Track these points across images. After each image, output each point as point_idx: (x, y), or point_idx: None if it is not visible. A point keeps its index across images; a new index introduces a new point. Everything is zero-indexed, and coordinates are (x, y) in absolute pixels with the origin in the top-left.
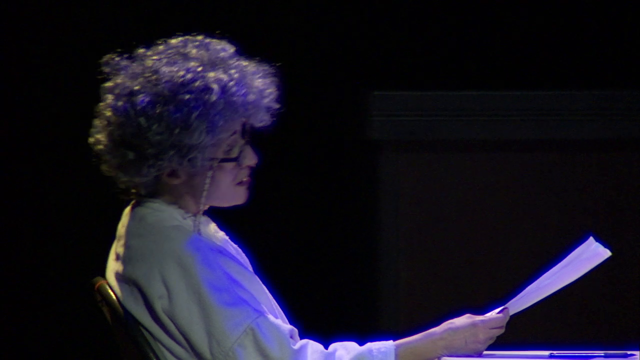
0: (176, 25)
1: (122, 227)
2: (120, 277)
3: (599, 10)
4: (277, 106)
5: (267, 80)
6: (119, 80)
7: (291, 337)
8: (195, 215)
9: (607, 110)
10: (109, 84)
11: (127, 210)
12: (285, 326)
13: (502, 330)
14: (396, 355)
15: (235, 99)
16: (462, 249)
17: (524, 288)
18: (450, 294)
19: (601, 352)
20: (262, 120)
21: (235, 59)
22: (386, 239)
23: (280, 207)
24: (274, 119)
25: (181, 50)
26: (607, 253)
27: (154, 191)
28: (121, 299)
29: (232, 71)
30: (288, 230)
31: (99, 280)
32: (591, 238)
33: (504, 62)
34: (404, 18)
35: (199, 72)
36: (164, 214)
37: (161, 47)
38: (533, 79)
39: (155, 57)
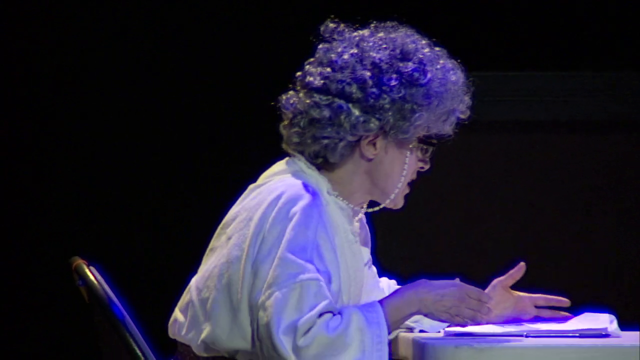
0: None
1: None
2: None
3: None
4: (464, 117)
5: (466, 91)
6: (338, 43)
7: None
8: (348, 202)
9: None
10: (326, 45)
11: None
12: (328, 304)
13: (485, 308)
14: (384, 312)
15: (453, 86)
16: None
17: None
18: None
19: (576, 332)
20: (445, 128)
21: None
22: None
23: None
24: (455, 132)
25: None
26: (611, 329)
27: (338, 162)
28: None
29: (450, 65)
30: None
31: (76, 260)
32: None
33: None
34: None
35: (425, 45)
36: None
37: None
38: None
39: (372, 31)
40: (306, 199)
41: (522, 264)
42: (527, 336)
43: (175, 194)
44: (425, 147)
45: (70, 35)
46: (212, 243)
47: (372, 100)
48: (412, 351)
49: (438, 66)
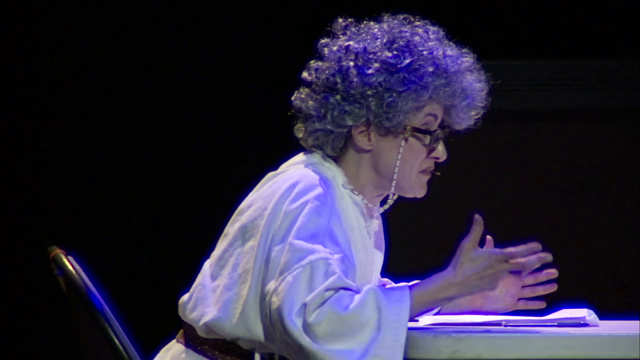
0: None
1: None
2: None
3: None
4: (482, 106)
5: (479, 78)
6: (340, 37)
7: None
8: (362, 195)
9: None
10: (327, 40)
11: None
12: (338, 278)
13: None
14: (410, 295)
15: (447, 74)
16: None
17: None
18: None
19: (554, 321)
20: (462, 118)
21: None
22: None
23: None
24: (476, 123)
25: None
26: (588, 319)
27: (342, 156)
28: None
29: (451, 53)
30: None
31: (54, 249)
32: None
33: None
34: None
35: (422, 34)
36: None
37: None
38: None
39: (379, 24)
40: (320, 189)
41: (477, 216)
42: (505, 325)
43: (155, 185)
44: (424, 135)
45: (68, 33)
46: (227, 229)
47: (353, 90)
48: None
49: (425, 52)
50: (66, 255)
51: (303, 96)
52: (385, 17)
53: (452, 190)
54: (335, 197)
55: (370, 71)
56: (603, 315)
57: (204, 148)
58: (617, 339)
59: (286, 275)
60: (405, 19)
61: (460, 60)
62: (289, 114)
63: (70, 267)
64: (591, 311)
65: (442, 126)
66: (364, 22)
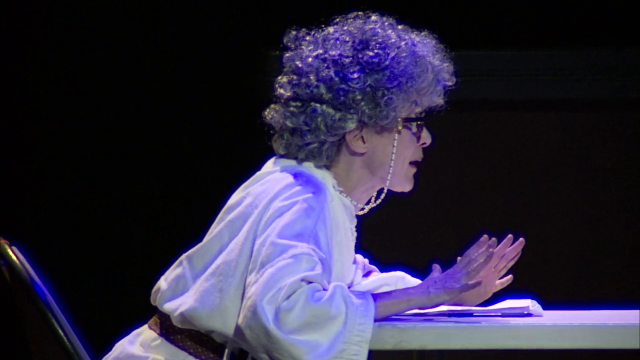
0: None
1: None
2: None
3: None
4: (452, 84)
5: (444, 58)
6: (304, 47)
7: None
8: (351, 197)
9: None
10: (291, 53)
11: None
12: (317, 274)
13: (472, 265)
14: (375, 305)
15: (422, 59)
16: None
17: None
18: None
19: (499, 311)
20: (435, 100)
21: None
22: None
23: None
24: (446, 101)
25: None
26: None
27: (332, 162)
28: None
29: (417, 38)
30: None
31: None
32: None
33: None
34: None
35: (386, 27)
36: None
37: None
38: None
39: (337, 27)
40: (311, 191)
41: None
42: (450, 315)
43: (101, 175)
44: (412, 124)
45: (61, 31)
46: (214, 226)
47: (342, 97)
48: None
49: (402, 44)
50: (10, 246)
51: (283, 111)
52: (337, 20)
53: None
54: (326, 201)
55: (354, 75)
56: (547, 305)
57: (154, 138)
58: (561, 328)
59: (267, 267)
60: (357, 17)
61: (427, 43)
62: (271, 131)
63: (14, 257)
64: (535, 301)
65: (422, 111)
66: (317, 30)
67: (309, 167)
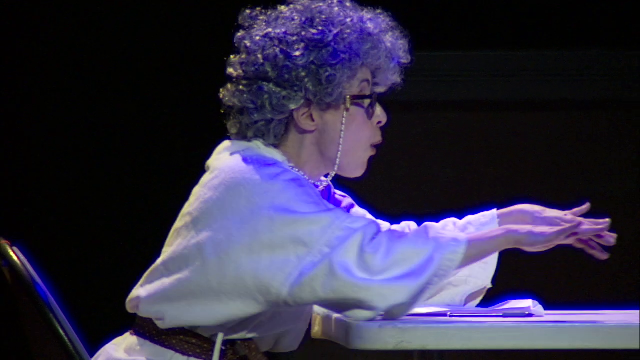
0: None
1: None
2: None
3: None
4: (407, 63)
5: (397, 36)
6: (256, 26)
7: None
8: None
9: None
10: (242, 33)
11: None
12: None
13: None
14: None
15: (372, 36)
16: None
17: None
18: None
19: (500, 312)
20: (389, 78)
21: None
22: None
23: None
24: (402, 79)
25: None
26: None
27: (282, 141)
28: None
29: (368, 16)
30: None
31: None
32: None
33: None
34: None
35: (334, 4)
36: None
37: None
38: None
39: (289, 6)
40: (276, 167)
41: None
42: (450, 316)
43: (102, 177)
44: (363, 101)
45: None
46: (176, 224)
47: (286, 75)
48: (335, 331)
49: (348, 20)
50: (11, 246)
51: (233, 90)
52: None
53: (395, 180)
54: (283, 167)
55: (298, 53)
56: (548, 305)
57: (147, 143)
58: (562, 329)
59: (324, 250)
60: None
61: (380, 21)
62: (221, 111)
63: (15, 258)
64: (536, 302)
65: (371, 86)
66: (271, 9)
67: (257, 148)
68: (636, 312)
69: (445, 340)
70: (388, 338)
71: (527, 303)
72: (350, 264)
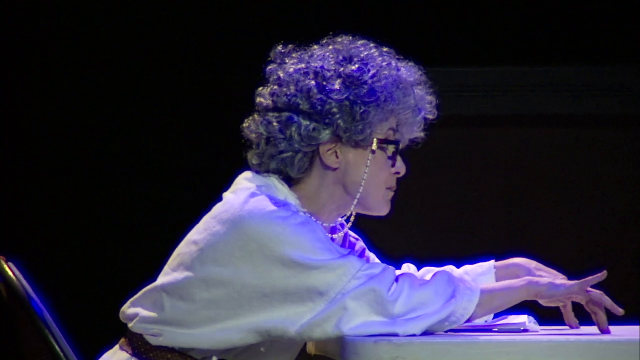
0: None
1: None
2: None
3: None
4: (432, 118)
5: (427, 91)
6: (288, 62)
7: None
8: (320, 219)
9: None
10: (273, 65)
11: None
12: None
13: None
14: (481, 295)
15: (405, 84)
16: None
17: None
18: None
19: (495, 327)
20: (413, 131)
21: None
22: None
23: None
24: (425, 135)
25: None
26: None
27: (303, 175)
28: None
29: (402, 64)
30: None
31: None
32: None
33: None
34: None
35: (371, 47)
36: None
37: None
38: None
39: (322, 46)
40: (286, 208)
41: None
42: (446, 331)
43: (97, 192)
44: (387, 147)
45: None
46: (181, 248)
47: (319, 107)
48: (331, 347)
49: (384, 64)
50: (6, 262)
51: (260, 120)
52: (325, 40)
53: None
54: (294, 209)
55: (335, 87)
56: (543, 320)
57: (137, 161)
58: (557, 344)
59: (338, 297)
60: (345, 39)
61: (413, 72)
62: (242, 141)
63: (11, 273)
64: (531, 317)
65: (400, 140)
66: (305, 47)
67: (272, 187)
68: (635, 327)
69: (440, 355)
70: (383, 353)
71: (522, 318)
72: (366, 310)
